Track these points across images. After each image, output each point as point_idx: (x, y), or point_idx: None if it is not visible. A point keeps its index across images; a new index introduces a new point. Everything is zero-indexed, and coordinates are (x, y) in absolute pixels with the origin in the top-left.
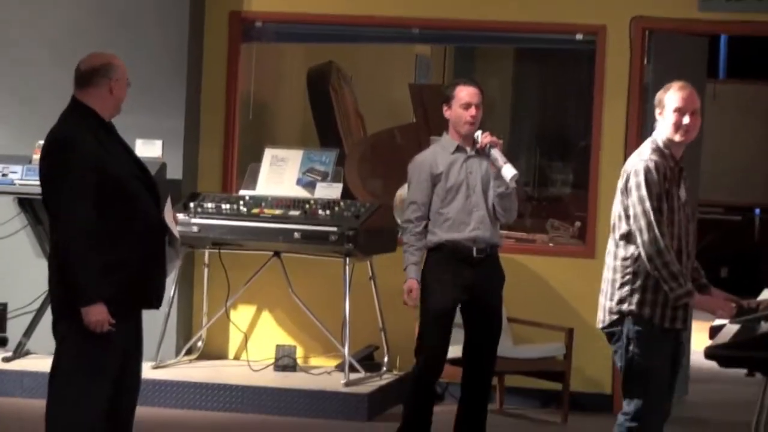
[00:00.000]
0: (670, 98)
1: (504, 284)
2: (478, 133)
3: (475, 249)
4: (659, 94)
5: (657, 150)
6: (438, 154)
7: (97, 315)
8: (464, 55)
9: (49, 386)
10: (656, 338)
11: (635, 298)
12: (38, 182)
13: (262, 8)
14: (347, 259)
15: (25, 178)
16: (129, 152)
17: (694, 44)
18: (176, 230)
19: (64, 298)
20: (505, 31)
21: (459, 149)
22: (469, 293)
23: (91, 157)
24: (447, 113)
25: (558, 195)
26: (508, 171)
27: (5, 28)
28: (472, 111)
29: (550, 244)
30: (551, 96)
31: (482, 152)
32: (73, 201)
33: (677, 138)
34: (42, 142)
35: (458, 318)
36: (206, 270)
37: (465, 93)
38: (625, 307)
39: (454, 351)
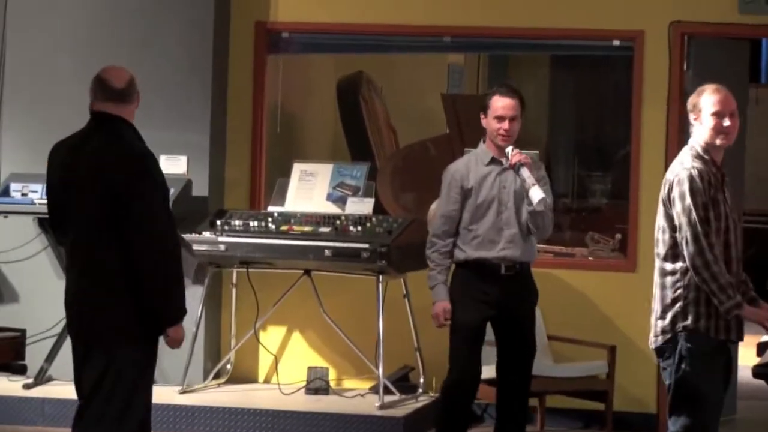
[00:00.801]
0: (707, 101)
1: (537, 300)
2: (509, 149)
3: (503, 266)
4: (692, 99)
5: (698, 157)
6: (471, 165)
7: (181, 332)
8: (498, 64)
9: (97, 409)
10: (711, 354)
11: (690, 312)
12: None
13: (288, 18)
14: (380, 276)
15: (45, 197)
16: None
17: (735, 48)
18: None
19: (130, 320)
20: (540, 38)
21: (494, 161)
22: (499, 309)
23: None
24: (483, 122)
25: (597, 206)
26: (536, 194)
27: (26, 44)
28: (506, 125)
29: (590, 258)
30: (589, 104)
31: (513, 169)
32: (165, 217)
33: (718, 142)
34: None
35: (491, 335)
36: (234, 290)
37: (500, 104)
38: (679, 323)
39: (489, 371)
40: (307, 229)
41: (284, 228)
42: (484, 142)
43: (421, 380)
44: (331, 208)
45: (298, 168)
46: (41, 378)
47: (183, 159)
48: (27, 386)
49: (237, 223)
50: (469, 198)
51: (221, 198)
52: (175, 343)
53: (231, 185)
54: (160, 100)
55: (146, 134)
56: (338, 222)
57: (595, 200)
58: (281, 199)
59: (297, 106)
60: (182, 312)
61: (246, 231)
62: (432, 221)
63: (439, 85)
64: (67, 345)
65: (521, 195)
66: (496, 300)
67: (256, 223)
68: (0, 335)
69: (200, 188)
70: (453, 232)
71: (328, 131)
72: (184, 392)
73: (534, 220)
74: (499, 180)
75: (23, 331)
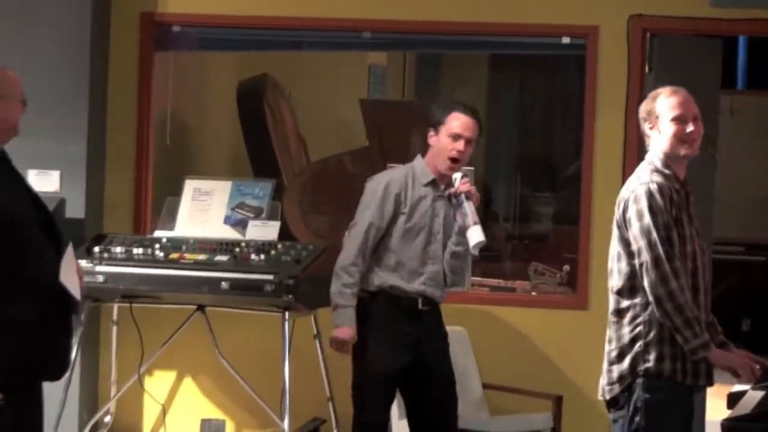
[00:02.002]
0: (664, 106)
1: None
2: (458, 175)
3: (420, 301)
4: (646, 105)
5: (657, 171)
6: (409, 180)
7: None
8: (427, 65)
9: None
10: (673, 405)
11: (651, 352)
12: None
13: (180, 9)
14: (286, 313)
15: None
16: (26, 188)
17: (706, 48)
18: (78, 289)
19: None
20: (477, 34)
21: (432, 184)
22: (415, 354)
23: None
24: (432, 139)
25: (542, 232)
26: (475, 235)
27: None
28: (460, 145)
29: (533, 293)
30: (533, 112)
31: (453, 198)
32: None
33: (682, 152)
34: None
35: None
36: (115, 328)
37: (458, 123)
38: (640, 366)
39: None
40: (201, 257)
41: (174, 256)
42: (423, 158)
43: None
44: (230, 233)
45: (190, 185)
46: None
47: (55, 174)
48: None
49: (118, 249)
50: (401, 217)
51: (100, 220)
52: None
53: (111, 205)
54: (29, 104)
55: (12, 145)
56: (238, 249)
57: (540, 225)
58: (171, 222)
59: (190, 113)
60: None
61: (129, 259)
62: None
63: (358, 89)
64: None
65: (450, 229)
66: (413, 342)
67: (141, 251)
68: None
69: (75, 209)
70: (370, 254)
71: (227, 143)
72: None
73: (453, 263)
74: (433, 207)
75: None
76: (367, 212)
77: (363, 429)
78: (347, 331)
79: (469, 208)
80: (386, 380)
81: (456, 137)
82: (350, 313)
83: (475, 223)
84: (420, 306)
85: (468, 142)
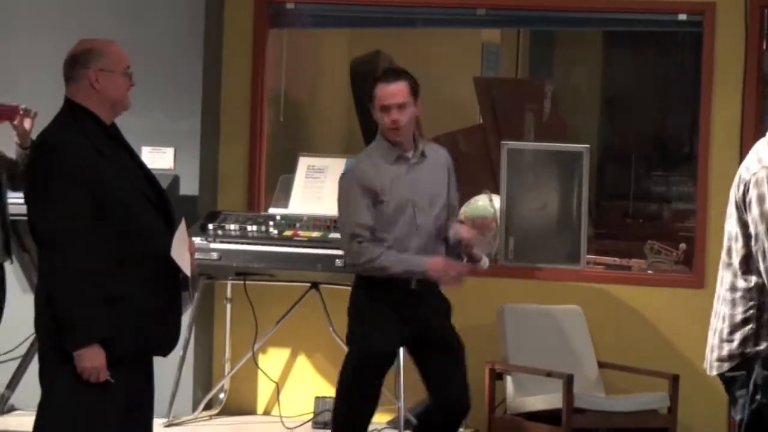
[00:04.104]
0: None
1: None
2: (455, 229)
3: (413, 280)
4: None
5: None
6: (374, 167)
7: (92, 360)
8: (541, 42)
9: None
10: None
11: (763, 337)
12: (23, 200)
13: None
14: None
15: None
16: (137, 163)
17: None
18: (189, 265)
19: (53, 339)
20: (592, 11)
21: (400, 158)
22: (416, 331)
23: (85, 166)
24: (375, 115)
25: (658, 211)
26: (485, 263)
27: None
28: (393, 115)
29: (649, 272)
30: (649, 90)
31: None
32: (61, 221)
33: None
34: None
35: None
36: (229, 306)
37: (381, 95)
38: (749, 348)
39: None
40: (314, 234)
41: (288, 233)
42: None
43: None
44: None
45: (304, 163)
46: (2, 407)
47: (169, 151)
48: None
49: (232, 227)
50: (380, 205)
51: (214, 197)
52: (84, 372)
53: (225, 182)
54: (142, 82)
55: (125, 122)
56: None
57: (656, 204)
58: (284, 200)
59: (304, 90)
60: (78, 337)
61: (243, 236)
62: None
63: (472, 67)
64: (33, 368)
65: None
66: (409, 320)
67: (254, 228)
68: None
69: (189, 186)
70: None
71: (340, 120)
72: (169, 425)
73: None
74: (409, 179)
75: None
76: (350, 213)
77: (349, 410)
78: (436, 261)
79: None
80: (381, 360)
81: (385, 108)
82: (414, 257)
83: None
84: (413, 285)
85: (399, 107)
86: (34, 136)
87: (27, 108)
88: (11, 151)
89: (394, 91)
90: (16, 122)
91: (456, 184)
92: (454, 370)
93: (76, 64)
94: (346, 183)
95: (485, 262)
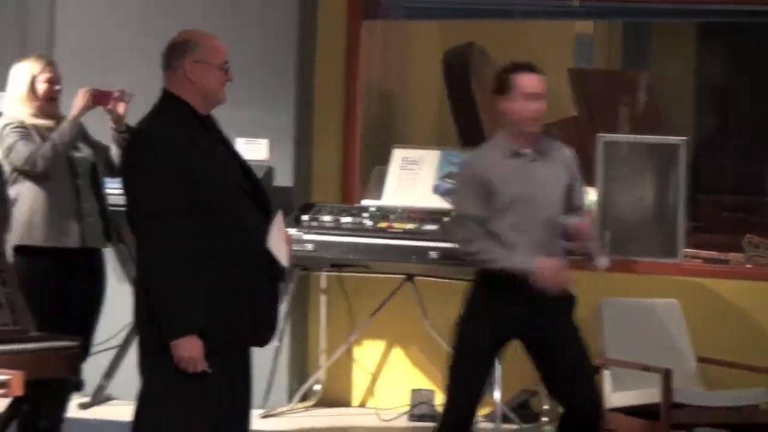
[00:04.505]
0: None
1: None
2: (573, 224)
3: (518, 276)
4: None
5: None
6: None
7: (189, 350)
8: (636, 34)
9: None
10: None
11: None
12: (120, 191)
13: None
14: None
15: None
16: (233, 154)
17: None
18: (286, 256)
19: (152, 329)
20: (687, 2)
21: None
22: (529, 327)
23: (180, 158)
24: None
25: (757, 203)
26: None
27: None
28: (537, 104)
29: (748, 266)
30: (743, 82)
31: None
32: (158, 212)
33: None
34: None
35: None
36: (324, 297)
37: (527, 82)
38: None
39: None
40: (409, 226)
41: (382, 225)
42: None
43: (545, 407)
44: (438, 203)
45: (398, 155)
46: (100, 397)
47: (264, 143)
48: (84, 405)
49: (327, 218)
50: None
51: (308, 189)
52: (181, 363)
53: (320, 174)
54: (236, 73)
55: (219, 114)
56: (446, 219)
57: (754, 197)
58: (378, 192)
59: (397, 82)
60: (175, 327)
61: (337, 228)
62: None
63: (565, 59)
64: (130, 358)
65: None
66: (522, 317)
67: (349, 219)
68: (53, 345)
69: (284, 177)
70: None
71: (434, 112)
72: (266, 416)
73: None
74: (520, 175)
75: (79, 342)
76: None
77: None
78: (544, 263)
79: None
80: (486, 352)
81: (529, 96)
82: (520, 256)
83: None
84: (517, 281)
85: (540, 97)
86: (130, 120)
87: (122, 90)
88: (107, 137)
89: (538, 80)
90: (110, 106)
91: (581, 184)
92: (580, 370)
93: (173, 53)
94: (460, 174)
95: (604, 260)
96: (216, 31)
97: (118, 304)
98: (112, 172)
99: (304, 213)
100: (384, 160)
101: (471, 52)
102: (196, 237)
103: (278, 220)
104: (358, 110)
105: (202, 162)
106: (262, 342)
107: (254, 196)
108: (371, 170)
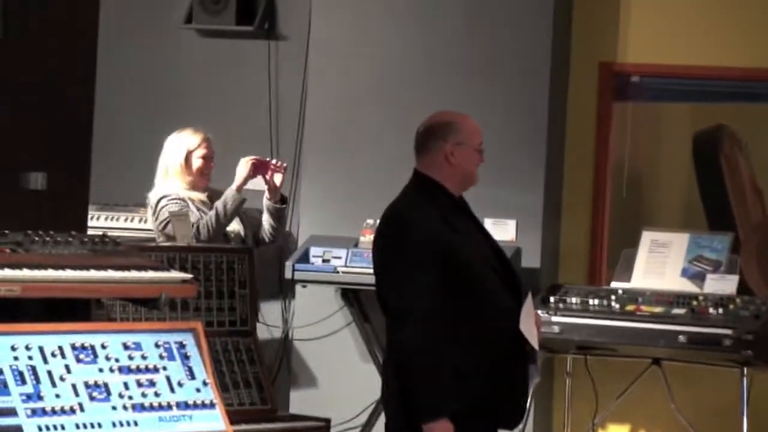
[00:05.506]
0: None
1: None
2: None
3: None
4: None
5: None
6: None
7: None
8: None
9: None
10: None
11: None
12: (366, 270)
13: (639, 59)
14: (745, 369)
15: (350, 264)
16: (485, 235)
17: None
18: (536, 338)
19: (401, 412)
20: None
21: None
22: None
23: (437, 240)
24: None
25: None
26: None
27: (327, 87)
28: None
29: None
30: None
31: None
32: (414, 295)
33: None
34: (371, 221)
35: None
36: (569, 380)
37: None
38: None
39: None
40: (657, 309)
41: (630, 308)
42: None
43: None
44: (687, 286)
45: (647, 237)
46: None
47: (511, 223)
48: None
49: (574, 300)
50: None
51: (555, 270)
52: None
53: (567, 256)
54: (487, 154)
55: (470, 193)
56: (695, 302)
57: None
58: (627, 274)
59: (646, 163)
60: (430, 410)
61: (585, 310)
62: None
63: None
64: None
65: None
66: None
67: (596, 302)
68: (301, 425)
69: (531, 258)
70: None
71: (682, 194)
72: None
73: None
74: None
75: (328, 421)
76: None
77: None
78: None
79: None
80: None
81: None
82: None
83: None
84: None
85: None
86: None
87: (279, 163)
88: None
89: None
90: (268, 176)
91: None
92: None
93: (432, 135)
94: None
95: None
96: (468, 111)
97: (361, 383)
98: (258, 243)
99: (552, 294)
100: (633, 243)
101: (721, 133)
102: (450, 319)
103: (528, 301)
104: (608, 191)
105: (458, 244)
106: (512, 425)
107: (504, 277)
108: (619, 252)
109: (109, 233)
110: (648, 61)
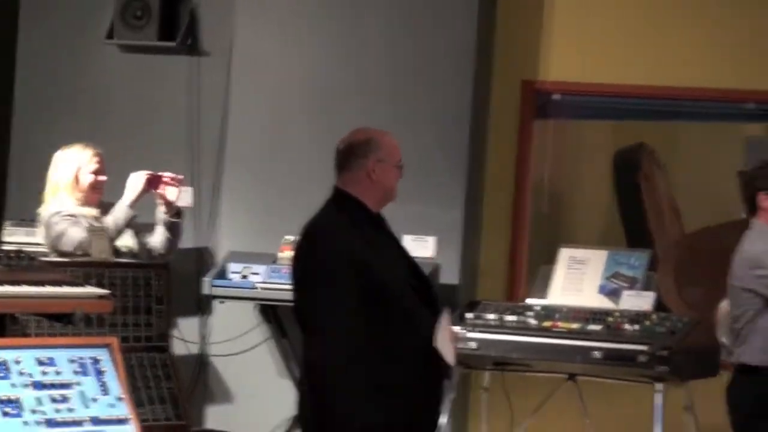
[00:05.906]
0: None
1: None
2: None
3: None
4: None
5: None
6: None
7: None
8: None
9: None
10: None
11: None
12: (285, 286)
13: (560, 77)
14: (659, 384)
15: (269, 280)
16: (403, 252)
17: None
18: (452, 354)
19: (317, 427)
20: None
21: None
22: None
23: (354, 257)
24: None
25: None
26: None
27: (249, 105)
28: None
29: None
30: None
31: None
32: (333, 310)
33: None
34: (291, 237)
35: None
36: (485, 395)
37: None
38: None
39: None
40: (574, 326)
41: (547, 324)
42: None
43: None
44: (604, 302)
45: (565, 254)
46: None
47: (431, 240)
48: None
49: (491, 316)
50: None
51: (474, 286)
52: None
53: (486, 272)
54: (407, 171)
55: (390, 210)
56: (611, 319)
57: None
58: (544, 290)
59: (567, 181)
60: (347, 426)
61: (502, 326)
62: (722, 322)
63: (734, 160)
64: None
65: None
66: None
67: (514, 318)
68: None
69: (450, 274)
70: None
71: (601, 212)
72: None
73: None
74: None
75: None
76: None
77: None
78: None
79: None
80: None
81: None
82: None
83: None
84: None
85: None
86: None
87: (173, 177)
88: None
89: None
90: (160, 190)
91: None
92: None
93: (353, 153)
94: None
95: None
96: (387, 128)
97: (275, 398)
98: (151, 258)
99: (469, 310)
100: (552, 260)
101: (641, 153)
102: (368, 335)
103: (445, 317)
104: (527, 208)
105: (377, 262)
106: None
107: (422, 294)
108: (537, 268)
109: (26, 249)
110: (569, 79)
